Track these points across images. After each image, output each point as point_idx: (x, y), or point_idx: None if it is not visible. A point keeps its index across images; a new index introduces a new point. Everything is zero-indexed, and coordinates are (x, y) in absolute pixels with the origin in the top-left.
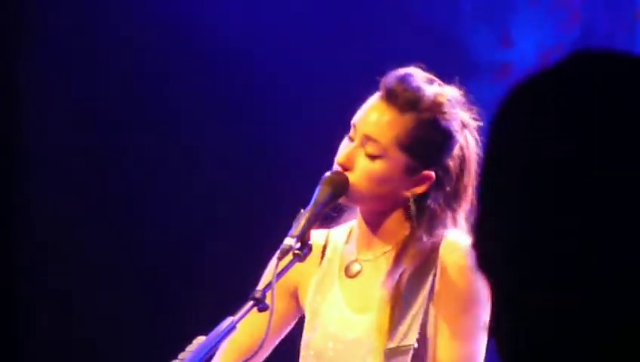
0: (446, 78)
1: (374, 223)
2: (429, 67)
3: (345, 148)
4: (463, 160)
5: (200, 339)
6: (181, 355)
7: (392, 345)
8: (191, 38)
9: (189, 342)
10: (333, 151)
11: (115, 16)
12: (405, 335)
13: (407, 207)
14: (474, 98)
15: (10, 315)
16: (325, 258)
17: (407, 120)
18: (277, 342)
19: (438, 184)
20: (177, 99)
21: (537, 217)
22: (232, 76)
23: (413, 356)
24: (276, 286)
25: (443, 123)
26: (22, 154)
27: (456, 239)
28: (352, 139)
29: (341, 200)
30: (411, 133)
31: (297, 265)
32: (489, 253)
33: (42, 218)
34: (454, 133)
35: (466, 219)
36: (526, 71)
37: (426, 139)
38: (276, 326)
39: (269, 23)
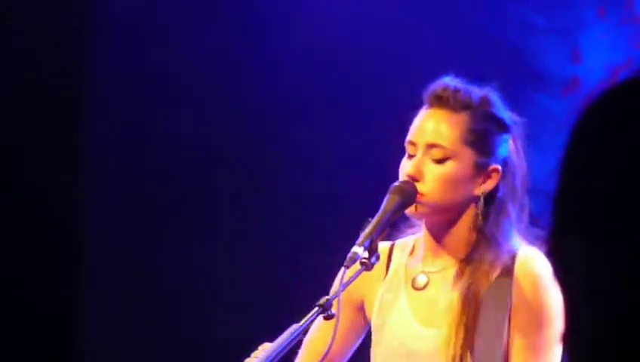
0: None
1: (442, 234)
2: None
3: (409, 162)
4: (518, 154)
5: (265, 346)
6: (247, 361)
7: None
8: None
9: (255, 348)
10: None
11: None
12: (487, 354)
13: (476, 214)
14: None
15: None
16: (390, 270)
17: (465, 117)
18: (349, 352)
19: (504, 179)
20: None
21: (623, 231)
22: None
23: None
24: (342, 297)
25: (498, 115)
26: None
27: (532, 253)
28: (411, 156)
29: (412, 214)
30: (472, 128)
31: (362, 277)
32: (570, 262)
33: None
34: (509, 126)
35: (520, 218)
36: (594, 86)
37: (487, 133)
38: (345, 336)
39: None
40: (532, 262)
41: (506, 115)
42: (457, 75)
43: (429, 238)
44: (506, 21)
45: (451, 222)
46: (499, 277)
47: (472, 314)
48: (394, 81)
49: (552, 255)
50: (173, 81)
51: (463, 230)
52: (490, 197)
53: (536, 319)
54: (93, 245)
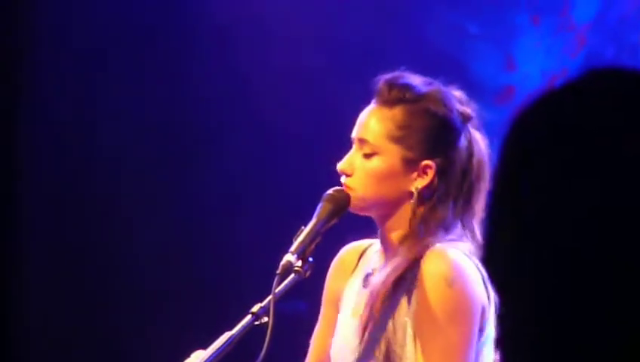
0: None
1: (383, 230)
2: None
3: (345, 156)
4: (470, 153)
5: (198, 354)
6: None
7: (357, 354)
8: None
9: (188, 355)
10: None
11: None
12: (372, 347)
13: (412, 210)
14: (477, 119)
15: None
16: (358, 266)
17: (396, 112)
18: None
19: (442, 176)
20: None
21: (554, 235)
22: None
23: None
24: (324, 299)
25: (438, 112)
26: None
27: (441, 248)
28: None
29: (351, 209)
30: (402, 124)
31: (336, 273)
32: (502, 270)
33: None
34: (453, 122)
35: (478, 224)
36: (530, 94)
37: (420, 128)
38: (331, 336)
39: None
40: (437, 257)
41: (455, 112)
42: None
43: (380, 235)
44: (440, 28)
45: (388, 218)
46: (408, 273)
47: (371, 310)
48: (329, 87)
49: (489, 266)
50: (112, 79)
51: (399, 225)
52: (429, 193)
53: (436, 319)
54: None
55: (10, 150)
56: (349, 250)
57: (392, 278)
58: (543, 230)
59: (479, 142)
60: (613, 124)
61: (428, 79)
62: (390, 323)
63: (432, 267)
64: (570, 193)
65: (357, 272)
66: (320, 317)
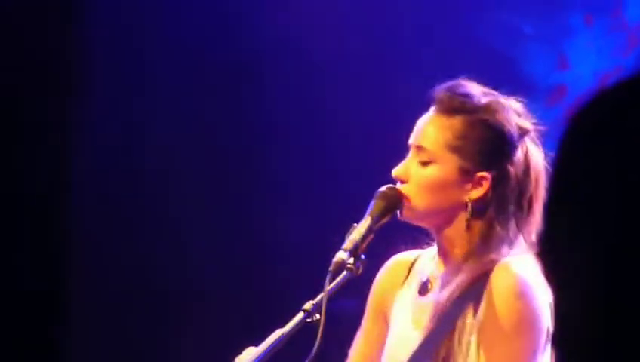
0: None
1: (440, 240)
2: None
3: (401, 163)
4: (527, 167)
5: (250, 350)
6: None
7: None
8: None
9: (239, 352)
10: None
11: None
12: (434, 359)
13: (466, 220)
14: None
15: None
16: (408, 278)
17: (456, 122)
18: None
19: (497, 188)
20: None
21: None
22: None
23: None
24: (369, 307)
25: (496, 124)
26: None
27: (509, 263)
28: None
29: (401, 217)
30: (460, 134)
31: (385, 284)
32: (563, 277)
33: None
34: (510, 136)
35: (534, 234)
36: (581, 94)
37: (477, 140)
38: (379, 347)
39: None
40: (506, 271)
41: (512, 125)
42: (444, 81)
43: (437, 244)
44: (494, 28)
45: (442, 228)
46: (473, 288)
47: (437, 321)
48: (385, 89)
49: (545, 263)
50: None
51: (454, 236)
52: (483, 205)
53: (507, 331)
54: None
55: (63, 162)
56: (397, 262)
57: (457, 293)
58: (598, 228)
59: (536, 155)
60: None
61: (487, 89)
62: (455, 336)
63: (500, 280)
64: (624, 192)
65: (408, 283)
66: (362, 327)
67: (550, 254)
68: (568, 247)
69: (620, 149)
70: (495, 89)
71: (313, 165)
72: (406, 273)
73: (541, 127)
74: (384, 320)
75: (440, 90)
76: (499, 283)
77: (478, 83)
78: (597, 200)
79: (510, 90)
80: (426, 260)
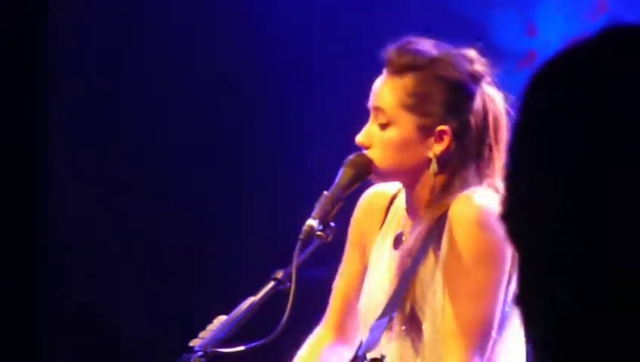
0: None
1: (412, 198)
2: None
3: (363, 129)
4: (485, 113)
5: (221, 319)
6: (202, 334)
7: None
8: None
9: (210, 321)
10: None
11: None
12: (427, 302)
13: (432, 175)
14: (499, 84)
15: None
16: (387, 218)
17: (407, 81)
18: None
19: (459, 139)
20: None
21: (569, 190)
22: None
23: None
24: (349, 241)
25: (448, 76)
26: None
27: (470, 194)
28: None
29: (371, 179)
30: (413, 92)
31: (364, 223)
32: (518, 222)
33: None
34: (464, 85)
35: (496, 178)
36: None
37: (431, 94)
38: (354, 287)
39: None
40: (466, 202)
41: (466, 74)
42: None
43: (406, 200)
44: None
45: (412, 185)
46: (434, 229)
47: (403, 272)
48: (350, 53)
49: (503, 214)
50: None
51: (422, 192)
52: (447, 158)
53: (470, 261)
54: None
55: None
56: (378, 194)
57: (419, 238)
58: (551, 191)
59: (494, 100)
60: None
61: (437, 42)
62: (417, 280)
63: (460, 211)
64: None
65: (386, 227)
66: (345, 260)
67: (512, 212)
68: (528, 206)
69: (592, 101)
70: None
71: (290, 138)
72: (385, 211)
73: (495, 70)
74: (363, 256)
75: (390, 50)
76: (459, 214)
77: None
78: (565, 145)
79: (470, 49)
80: (401, 204)
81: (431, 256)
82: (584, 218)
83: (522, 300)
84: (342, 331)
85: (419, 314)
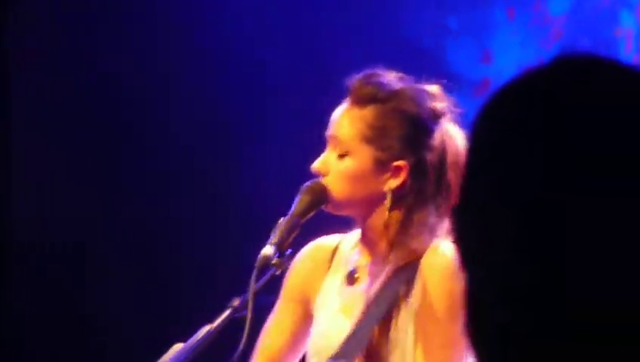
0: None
1: (367, 230)
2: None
3: (320, 157)
4: (444, 151)
5: (177, 347)
6: None
7: (339, 355)
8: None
9: (167, 349)
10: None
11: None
12: (394, 349)
13: (386, 209)
14: (462, 122)
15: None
16: (333, 264)
17: (368, 113)
18: (301, 350)
19: (415, 176)
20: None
21: (521, 221)
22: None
23: None
24: (283, 296)
25: (408, 111)
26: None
27: (440, 246)
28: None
29: (325, 208)
30: (373, 124)
31: (307, 273)
32: (468, 254)
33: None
34: (424, 122)
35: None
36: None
37: (391, 129)
38: (294, 334)
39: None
40: (437, 254)
41: (427, 110)
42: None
43: (361, 232)
44: (418, 23)
45: (365, 218)
46: (403, 273)
47: (369, 312)
48: (309, 82)
49: (455, 242)
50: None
51: (377, 226)
52: (403, 194)
53: (437, 314)
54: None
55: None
56: (318, 247)
57: (387, 281)
58: (503, 221)
59: (454, 138)
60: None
61: (401, 75)
62: (389, 324)
63: (432, 264)
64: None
65: (334, 271)
66: (275, 313)
67: (463, 244)
68: (473, 223)
69: (545, 130)
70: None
71: (242, 165)
72: (329, 259)
73: (459, 109)
74: (302, 310)
75: (353, 80)
76: (431, 266)
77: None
78: (513, 178)
79: (434, 84)
80: (348, 246)
81: (400, 299)
82: (538, 248)
83: (472, 335)
84: None
85: (387, 356)
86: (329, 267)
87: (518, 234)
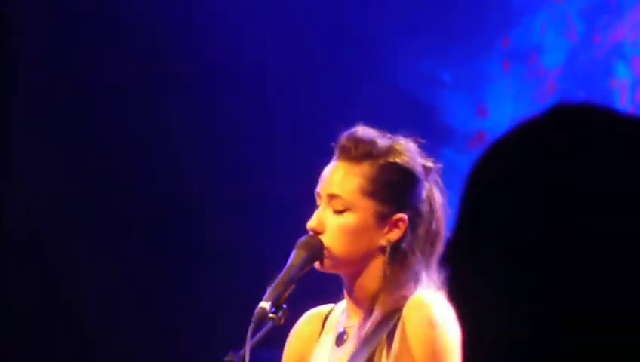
0: (422, 145)
1: (355, 287)
2: (406, 135)
3: (314, 214)
4: (432, 206)
5: None
6: None
7: None
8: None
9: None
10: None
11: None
12: None
13: (384, 264)
14: (449, 164)
15: None
16: (325, 328)
17: (366, 168)
18: None
19: (412, 228)
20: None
21: (514, 266)
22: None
23: None
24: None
25: (404, 165)
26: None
27: (422, 295)
28: (318, 208)
29: (320, 268)
30: (372, 178)
31: (303, 336)
32: (462, 304)
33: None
34: (418, 175)
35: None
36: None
37: (390, 182)
38: None
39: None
40: (419, 303)
41: (418, 164)
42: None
43: (348, 293)
44: (414, 77)
45: (360, 274)
46: (385, 323)
47: (354, 359)
48: (303, 135)
49: (448, 292)
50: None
51: (372, 281)
52: (399, 246)
53: (430, 359)
54: None
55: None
56: (310, 318)
57: (369, 332)
58: (493, 267)
59: (438, 194)
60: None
61: (385, 133)
62: None
63: (414, 313)
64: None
65: (324, 335)
66: None
67: (453, 279)
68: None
69: (539, 184)
70: (410, 136)
71: (239, 217)
72: (321, 326)
73: (440, 166)
74: None
75: (343, 139)
76: (413, 315)
77: (399, 131)
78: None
79: (429, 137)
80: (338, 313)
81: (383, 352)
82: (533, 293)
83: None
84: None
85: None
86: (320, 333)
87: (511, 279)
